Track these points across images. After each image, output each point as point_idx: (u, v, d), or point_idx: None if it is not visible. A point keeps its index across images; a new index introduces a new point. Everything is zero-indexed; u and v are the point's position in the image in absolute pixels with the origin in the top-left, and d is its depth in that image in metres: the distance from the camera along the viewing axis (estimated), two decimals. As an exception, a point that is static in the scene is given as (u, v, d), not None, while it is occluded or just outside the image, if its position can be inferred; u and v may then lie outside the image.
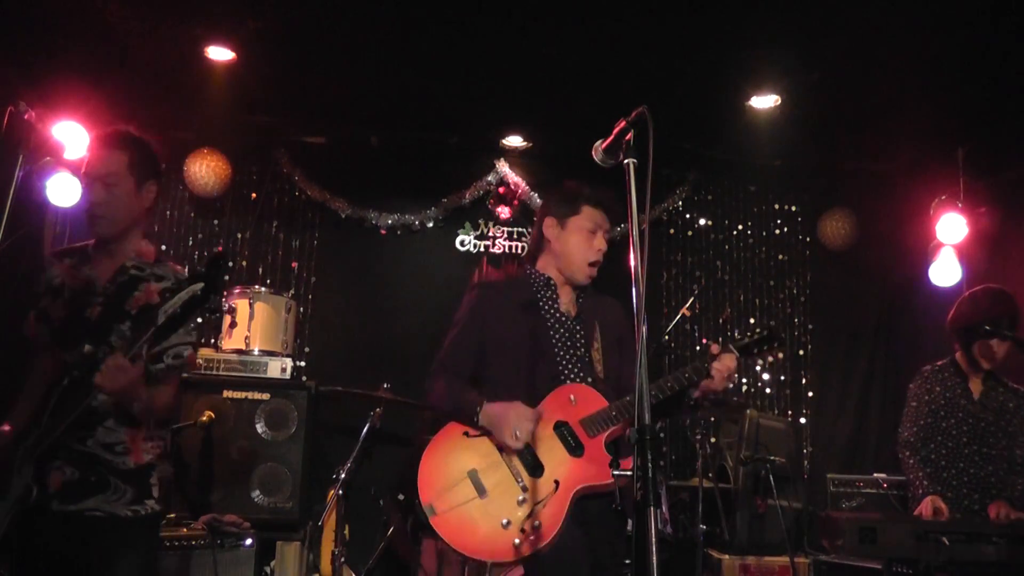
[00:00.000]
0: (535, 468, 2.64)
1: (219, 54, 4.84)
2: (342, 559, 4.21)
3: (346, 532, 4.29)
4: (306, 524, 4.65)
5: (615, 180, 2.08)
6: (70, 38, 4.57)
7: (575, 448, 2.67)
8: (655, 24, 4.42)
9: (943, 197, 5.42)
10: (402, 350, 5.85)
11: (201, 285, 2.43)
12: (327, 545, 4.50)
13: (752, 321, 6.31)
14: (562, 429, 2.69)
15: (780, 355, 2.84)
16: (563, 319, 2.88)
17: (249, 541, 4.26)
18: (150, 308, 2.54)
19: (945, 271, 5.39)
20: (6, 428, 2.62)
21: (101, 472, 2.55)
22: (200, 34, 4.67)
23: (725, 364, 2.72)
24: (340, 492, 4.22)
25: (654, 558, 1.64)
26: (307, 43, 4.78)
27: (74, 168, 4.76)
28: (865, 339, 6.35)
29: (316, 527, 4.55)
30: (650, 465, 1.71)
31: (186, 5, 4.38)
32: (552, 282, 2.94)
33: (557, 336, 2.85)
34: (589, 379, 2.81)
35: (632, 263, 1.88)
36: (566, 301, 2.94)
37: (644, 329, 1.80)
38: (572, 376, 2.79)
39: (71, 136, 4.76)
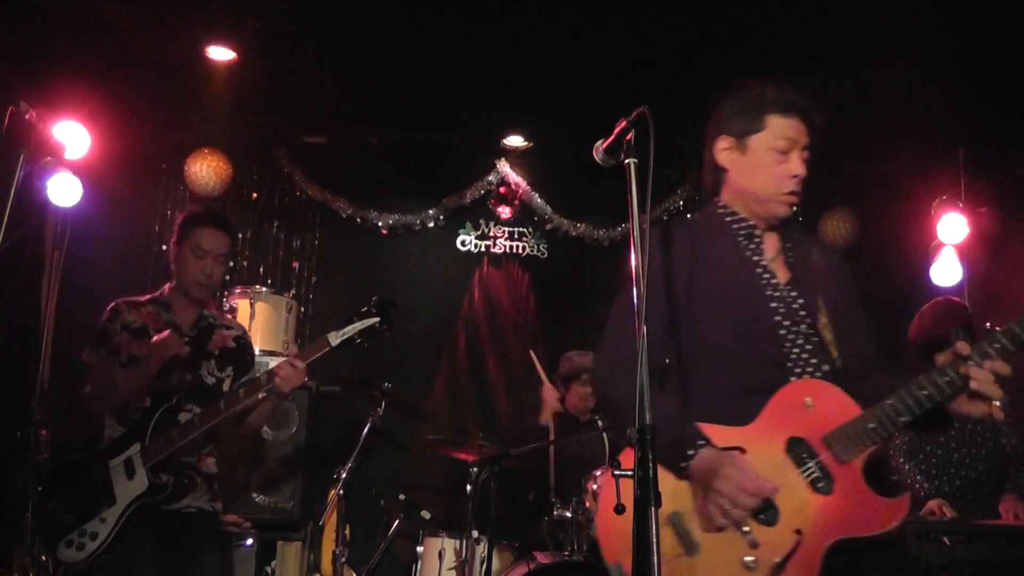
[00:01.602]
0: (766, 511, 1.85)
1: (219, 54, 4.85)
2: (343, 559, 4.20)
3: (347, 532, 4.29)
4: (307, 524, 4.65)
5: (616, 180, 2.08)
6: (70, 38, 4.57)
7: (821, 480, 1.87)
8: (656, 23, 4.42)
9: (944, 197, 5.41)
10: (402, 350, 5.84)
11: (377, 320, 2.98)
12: (328, 545, 4.50)
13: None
14: (799, 450, 1.91)
15: None
16: (775, 282, 2.12)
17: (250, 541, 4.26)
18: (231, 352, 3.28)
19: (946, 271, 5.39)
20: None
21: (191, 475, 3.10)
22: (200, 34, 4.67)
23: (991, 371, 1.81)
24: (340, 492, 4.22)
25: (655, 558, 1.63)
26: (307, 43, 4.78)
27: (74, 168, 4.76)
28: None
29: (317, 527, 4.55)
30: (650, 465, 1.70)
31: (186, 5, 4.38)
32: (755, 229, 2.18)
33: (775, 304, 2.07)
34: (826, 367, 2.02)
35: (632, 263, 1.87)
36: (771, 254, 2.17)
37: (644, 329, 1.79)
38: (803, 364, 2.01)
39: (72, 136, 4.75)
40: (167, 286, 3.34)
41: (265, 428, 4.69)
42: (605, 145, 2.09)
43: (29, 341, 4.96)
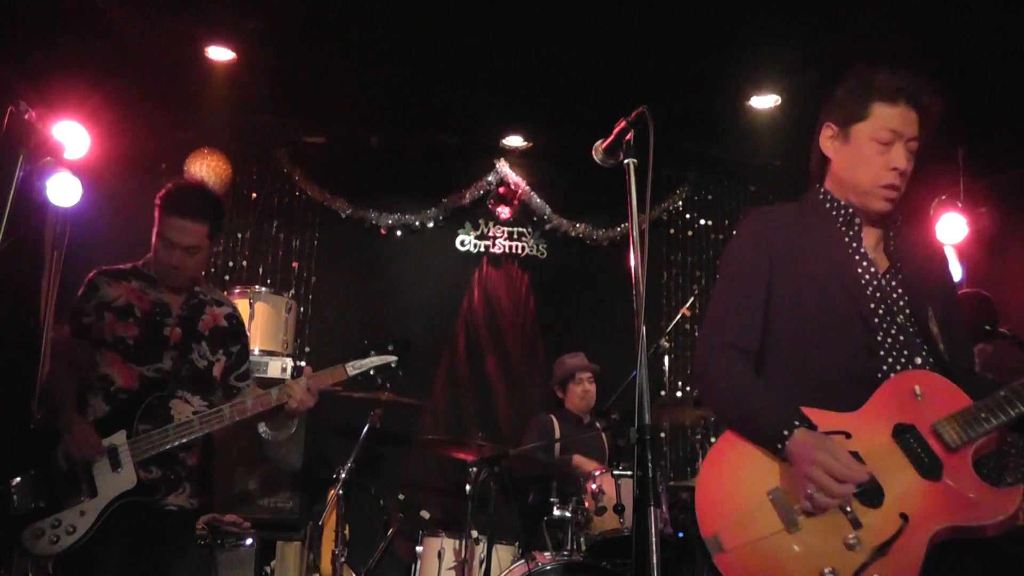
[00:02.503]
0: (872, 494, 1.82)
1: (219, 54, 4.85)
2: (342, 559, 4.21)
3: (346, 532, 4.29)
4: (306, 524, 4.65)
5: (615, 180, 2.08)
6: (70, 38, 4.57)
7: (930, 466, 1.83)
8: (655, 24, 4.42)
9: (943, 197, 5.41)
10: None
11: (395, 359, 3.04)
12: (327, 545, 4.50)
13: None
14: (907, 437, 1.87)
15: None
16: (872, 270, 2.07)
17: (249, 541, 4.25)
18: (221, 330, 3.09)
19: (945, 271, 5.39)
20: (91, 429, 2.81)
21: (178, 471, 2.93)
22: (200, 34, 4.67)
23: None
24: (340, 492, 4.22)
25: (654, 558, 1.63)
26: (307, 43, 4.78)
27: (74, 168, 4.76)
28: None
29: (316, 527, 4.54)
30: (650, 465, 1.70)
31: (186, 5, 4.38)
32: (855, 217, 2.12)
33: (869, 293, 2.02)
34: (919, 359, 1.97)
35: (632, 263, 1.88)
36: (871, 243, 2.13)
37: (644, 329, 1.79)
38: (896, 355, 1.97)
39: (72, 136, 4.76)
40: (151, 254, 3.08)
41: (265, 428, 4.69)
42: (604, 145, 2.10)
43: (29, 341, 4.96)
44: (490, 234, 6.17)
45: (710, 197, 6.43)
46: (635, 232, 1.88)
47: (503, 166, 6.14)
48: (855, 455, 1.83)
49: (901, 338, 1.98)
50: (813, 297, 2.02)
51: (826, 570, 1.75)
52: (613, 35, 4.54)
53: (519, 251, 6.17)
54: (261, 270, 5.98)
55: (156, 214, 3.00)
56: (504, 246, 6.17)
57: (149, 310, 2.98)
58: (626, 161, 1.98)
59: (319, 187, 6.00)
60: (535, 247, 6.18)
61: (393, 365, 3.02)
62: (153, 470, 2.85)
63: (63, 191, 4.73)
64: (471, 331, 6.05)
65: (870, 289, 2.03)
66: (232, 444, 4.62)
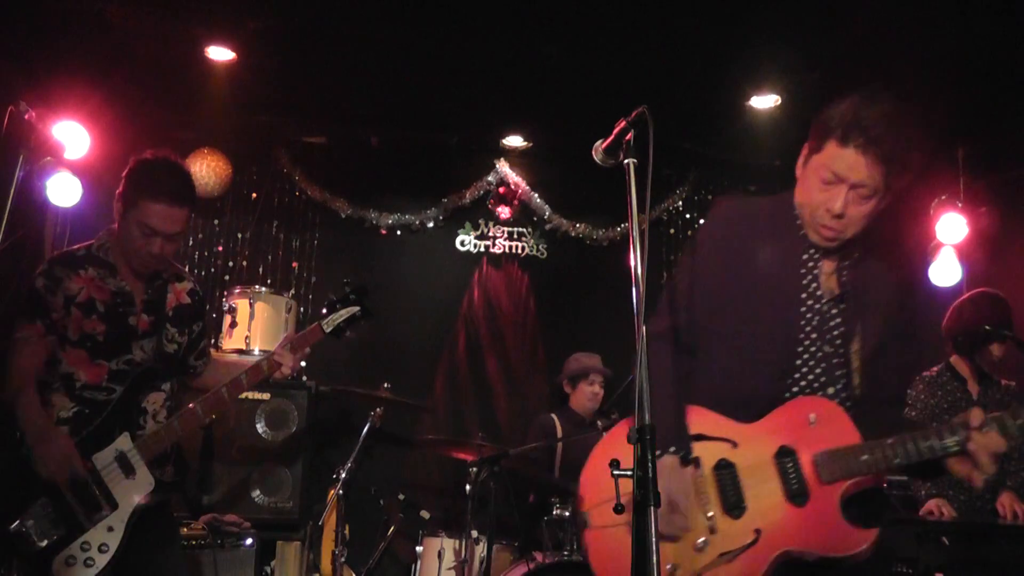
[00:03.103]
0: (734, 504, 1.94)
1: (219, 54, 4.84)
2: (342, 559, 4.21)
3: (346, 532, 4.29)
4: (306, 524, 4.65)
5: (615, 180, 2.08)
6: (70, 38, 4.57)
7: (797, 492, 1.91)
8: (655, 24, 4.42)
9: (943, 197, 5.41)
10: (402, 350, 5.85)
11: (358, 309, 2.91)
12: (327, 545, 4.50)
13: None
14: (786, 460, 1.95)
15: None
16: (819, 294, 2.07)
17: (249, 541, 4.25)
18: (183, 308, 2.92)
19: (945, 271, 5.39)
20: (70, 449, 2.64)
21: (167, 463, 2.81)
22: (200, 34, 4.66)
23: (987, 444, 1.85)
24: (340, 492, 4.22)
25: (654, 558, 1.63)
26: (307, 43, 4.78)
27: (74, 168, 4.76)
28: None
29: (316, 527, 4.55)
30: (650, 465, 1.70)
31: (186, 5, 4.38)
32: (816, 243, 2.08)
33: (805, 320, 2.04)
34: (832, 390, 2.02)
35: (632, 263, 1.88)
36: (830, 267, 2.10)
37: (644, 329, 1.79)
38: (809, 382, 2.02)
39: (72, 136, 4.76)
40: (108, 234, 2.86)
41: (265, 428, 4.69)
42: (604, 145, 2.09)
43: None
44: (490, 234, 6.17)
45: (710, 197, 6.43)
46: (635, 232, 1.87)
47: (503, 166, 6.14)
48: (731, 465, 1.95)
49: (823, 365, 2.01)
50: (751, 308, 2.06)
51: (668, 565, 1.87)
52: (613, 35, 4.54)
53: (519, 251, 6.17)
54: (261, 270, 5.98)
55: (125, 196, 2.75)
56: (504, 246, 6.17)
57: (111, 302, 2.78)
58: (626, 161, 1.98)
59: (319, 187, 5.99)
60: (535, 247, 6.18)
61: (358, 314, 2.92)
62: (168, 470, 2.78)
63: (63, 191, 4.73)
64: (471, 331, 6.05)
65: (809, 314, 2.05)
66: (232, 444, 4.62)
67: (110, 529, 2.58)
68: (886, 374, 2.07)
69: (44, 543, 2.54)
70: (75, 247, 2.89)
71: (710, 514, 1.92)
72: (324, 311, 2.92)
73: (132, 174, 2.79)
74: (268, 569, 4.60)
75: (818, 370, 2.02)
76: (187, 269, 2.88)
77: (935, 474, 1.96)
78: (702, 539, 1.90)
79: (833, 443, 1.92)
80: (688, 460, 1.99)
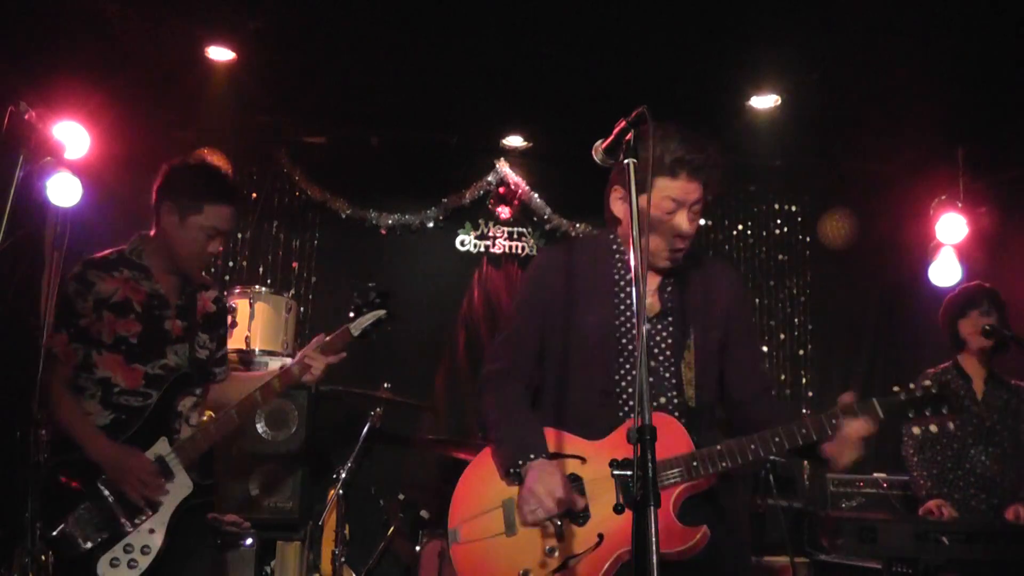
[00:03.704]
0: (579, 512, 2.16)
1: (219, 54, 4.84)
2: (342, 559, 4.21)
3: (346, 532, 4.29)
4: (306, 524, 4.64)
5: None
6: (70, 38, 4.57)
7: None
8: (655, 24, 4.42)
9: (943, 197, 5.41)
10: (402, 350, 5.84)
11: (384, 312, 2.90)
12: (327, 545, 4.50)
13: (752, 321, 6.30)
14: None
15: (952, 425, 2.17)
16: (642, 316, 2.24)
17: (249, 541, 4.26)
18: (211, 316, 3.01)
19: (945, 271, 5.39)
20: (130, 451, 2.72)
21: (204, 466, 2.83)
22: (200, 34, 4.67)
23: (851, 430, 2.08)
24: (340, 492, 4.22)
25: (654, 558, 1.64)
26: (307, 43, 4.78)
27: (74, 168, 4.76)
28: (865, 339, 6.34)
29: (316, 527, 4.54)
30: (650, 465, 1.70)
31: (186, 5, 4.38)
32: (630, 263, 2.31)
33: (625, 340, 2.24)
34: (660, 400, 2.22)
35: (632, 263, 1.88)
36: (652, 288, 2.30)
37: (644, 329, 1.79)
38: (632, 395, 2.20)
39: (72, 136, 4.76)
40: (141, 240, 2.92)
41: (265, 428, 4.69)
42: (604, 145, 2.10)
43: (29, 341, 4.96)
44: (490, 234, 6.17)
45: (710, 197, 6.41)
46: (635, 232, 1.88)
47: (503, 166, 6.14)
48: (579, 478, 2.17)
49: (652, 379, 2.18)
50: (575, 337, 2.26)
51: (522, 570, 2.11)
52: (613, 35, 4.54)
53: (519, 251, 6.17)
54: (261, 270, 5.98)
55: (181, 203, 2.81)
56: (504, 246, 6.17)
57: (147, 303, 2.83)
58: (626, 161, 1.98)
59: (319, 187, 6.00)
60: (535, 247, 6.18)
61: (384, 317, 2.92)
62: (204, 474, 2.81)
63: (63, 191, 4.72)
64: (471, 331, 6.05)
65: (626, 337, 2.23)
66: (232, 444, 4.62)
67: (151, 531, 2.66)
68: (746, 373, 2.30)
69: (89, 545, 2.61)
70: (106, 252, 2.93)
71: (558, 523, 2.12)
72: (351, 315, 2.91)
73: (185, 181, 2.85)
74: (268, 569, 4.60)
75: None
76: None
77: (810, 457, 2.16)
78: (551, 546, 2.12)
79: (667, 453, 2.08)
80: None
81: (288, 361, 4.88)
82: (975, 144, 5.41)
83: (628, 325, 2.26)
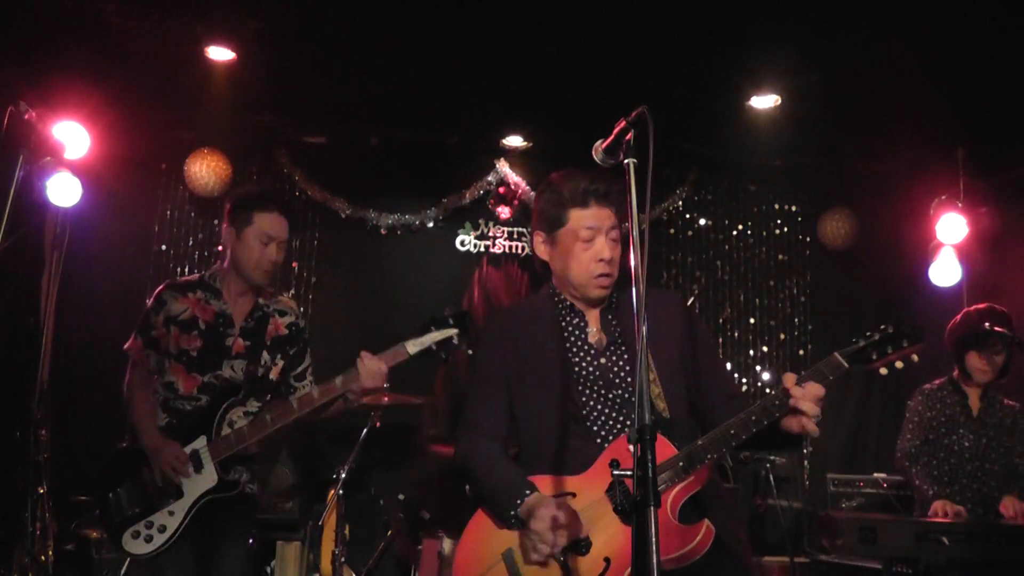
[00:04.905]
0: (581, 543, 2.14)
1: (219, 54, 4.84)
2: (342, 559, 4.21)
3: (346, 532, 4.29)
4: (306, 524, 4.65)
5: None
6: (70, 38, 4.57)
7: (629, 513, 2.12)
8: (655, 24, 4.42)
9: (943, 197, 5.42)
10: (402, 350, 5.84)
11: (456, 332, 2.97)
12: (327, 545, 4.50)
13: (752, 321, 6.31)
14: (615, 491, 2.17)
15: (916, 357, 2.18)
16: (592, 351, 2.36)
17: (249, 541, 4.25)
18: (284, 339, 3.23)
19: (945, 271, 5.40)
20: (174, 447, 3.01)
21: (252, 466, 3.15)
22: (200, 34, 4.66)
23: (808, 392, 2.10)
24: (340, 492, 4.22)
25: (654, 558, 1.64)
26: (307, 43, 4.78)
27: (74, 168, 4.77)
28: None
29: (316, 527, 4.55)
30: (650, 465, 1.70)
31: (186, 5, 4.38)
32: (575, 307, 2.42)
33: (585, 373, 2.33)
34: (652, 417, 2.21)
35: (632, 263, 1.88)
36: (595, 329, 2.40)
37: (644, 329, 1.79)
38: (603, 421, 2.28)
39: (71, 136, 4.76)
40: (217, 266, 3.25)
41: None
42: (604, 145, 2.10)
43: (29, 341, 4.96)
44: (490, 234, 6.17)
45: (710, 197, 6.44)
46: (635, 232, 1.88)
47: (503, 166, 6.14)
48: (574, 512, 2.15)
49: (616, 405, 2.27)
50: (536, 385, 2.34)
51: None
52: (613, 35, 4.54)
53: (519, 251, 6.17)
54: (261, 270, 5.97)
55: (236, 221, 3.11)
56: (504, 246, 6.17)
57: (212, 321, 3.13)
58: (626, 161, 1.98)
59: (319, 187, 5.99)
60: (535, 247, 6.18)
61: (455, 340, 2.99)
62: (235, 472, 3.04)
63: (63, 191, 4.73)
64: (471, 331, 6.04)
65: (585, 372, 2.32)
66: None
67: (171, 513, 2.93)
68: (712, 380, 2.36)
69: (121, 518, 2.95)
70: (189, 276, 3.36)
71: (562, 559, 2.12)
72: (419, 331, 3.02)
73: (238, 200, 3.17)
74: (268, 569, 4.61)
75: (608, 411, 2.28)
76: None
77: (781, 444, 2.21)
78: None
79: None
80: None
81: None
82: (975, 144, 5.41)
83: (580, 355, 2.35)
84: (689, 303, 5.44)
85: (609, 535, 2.12)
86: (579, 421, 2.28)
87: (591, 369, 2.33)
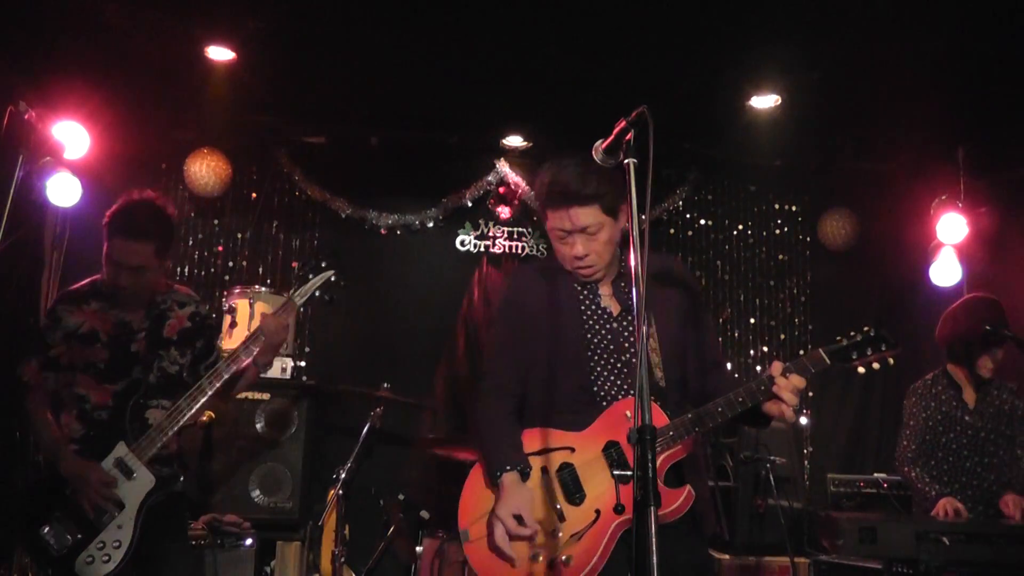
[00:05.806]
0: (575, 494, 2.36)
1: (219, 54, 4.84)
2: (342, 559, 4.21)
3: (346, 532, 4.29)
4: (306, 524, 4.65)
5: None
6: (70, 38, 4.57)
7: (623, 474, 2.31)
8: (655, 24, 4.42)
9: (943, 197, 5.41)
10: (402, 350, 5.85)
11: (333, 272, 3.04)
12: (327, 545, 4.50)
13: (752, 321, 6.31)
14: (611, 450, 2.37)
15: (891, 360, 2.36)
16: (604, 316, 2.49)
17: (249, 541, 4.26)
18: (189, 331, 3.15)
19: (945, 271, 5.39)
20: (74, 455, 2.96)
21: (172, 462, 3.09)
22: (200, 34, 4.66)
23: (790, 383, 2.28)
24: (340, 492, 4.22)
25: (654, 558, 1.64)
26: (307, 43, 4.78)
27: (74, 168, 4.76)
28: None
29: (316, 527, 4.55)
30: (650, 465, 1.71)
31: (186, 5, 4.38)
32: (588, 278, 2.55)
33: (597, 340, 2.46)
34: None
35: (632, 263, 1.88)
36: (607, 293, 2.53)
37: (644, 329, 1.80)
38: (608, 388, 2.43)
39: (71, 136, 4.76)
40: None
41: (265, 428, 4.70)
42: (604, 145, 2.11)
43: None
44: (490, 234, 6.17)
45: (710, 197, 6.43)
46: (635, 232, 1.88)
47: (503, 166, 6.14)
48: (571, 465, 2.38)
49: (624, 372, 2.43)
50: (550, 345, 2.47)
51: (532, 553, 2.31)
52: (613, 35, 4.54)
53: (519, 251, 6.17)
54: (261, 270, 5.98)
55: (103, 232, 3.00)
56: (504, 246, 6.17)
57: (113, 332, 3.05)
58: (626, 161, 1.99)
59: (319, 187, 5.99)
60: (535, 247, 6.18)
61: (333, 279, 3.05)
62: (163, 469, 3.00)
63: (63, 191, 4.73)
64: (471, 331, 6.05)
65: (598, 335, 2.46)
66: (232, 444, 4.62)
67: (120, 527, 2.87)
68: (704, 344, 2.51)
69: (65, 549, 2.85)
70: (82, 283, 3.16)
71: (558, 506, 2.35)
72: (300, 282, 3.06)
73: (109, 214, 3.03)
74: (268, 569, 4.61)
75: (612, 378, 2.43)
76: (186, 269, 3.00)
77: (761, 422, 2.39)
78: (556, 527, 2.33)
79: None
80: (526, 475, 2.38)
81: (288, 361, 4.96)
82: (975, 144, 5.40)
83: (593, 320, 2.48)
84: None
85: (602, 490, 2.33)
86: (585, 383, 2.43)
87: (603, 333, 2.46)
